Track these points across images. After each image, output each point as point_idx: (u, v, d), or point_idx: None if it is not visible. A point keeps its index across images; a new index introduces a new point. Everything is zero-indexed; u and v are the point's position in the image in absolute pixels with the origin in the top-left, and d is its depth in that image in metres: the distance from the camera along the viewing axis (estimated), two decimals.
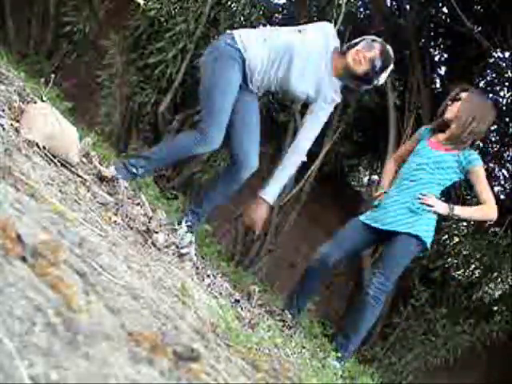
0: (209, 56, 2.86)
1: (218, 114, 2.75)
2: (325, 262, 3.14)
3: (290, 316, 3.08)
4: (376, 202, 3.21)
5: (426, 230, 3.04)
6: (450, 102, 3.11)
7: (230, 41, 2.81)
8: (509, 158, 6.40)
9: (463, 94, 3.09)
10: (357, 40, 2.94)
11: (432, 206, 3.02)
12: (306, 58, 2.85)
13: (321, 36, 2.93)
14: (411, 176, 3.10)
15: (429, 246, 3.08)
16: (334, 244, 3.18)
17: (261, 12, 5.47)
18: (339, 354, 2.85)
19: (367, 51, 2.84)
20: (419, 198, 3.02)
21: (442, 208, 3.04)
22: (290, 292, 3.34)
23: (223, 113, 2.75)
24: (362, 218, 3.18)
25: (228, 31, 2.94)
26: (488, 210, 3.08)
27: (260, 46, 2.82)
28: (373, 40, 2.91)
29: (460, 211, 3.11)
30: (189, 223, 2.85)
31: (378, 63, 2.84)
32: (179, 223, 2.76)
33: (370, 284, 2.99)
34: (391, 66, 2.93)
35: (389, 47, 2.90)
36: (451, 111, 3.08)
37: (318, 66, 2.88)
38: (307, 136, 2.97)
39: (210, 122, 2.75)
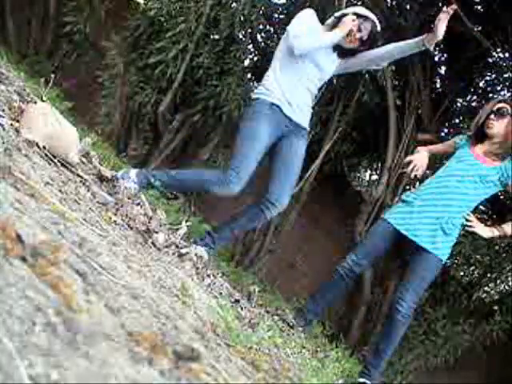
0: (245, 118, 3.03)
1: (240, 161, 2.86)
2: (353, 271, 3.15)
3: (301, 325, 3.10)
4: (405, 198, 3.12)
5: (448, 251, 3.02)
6: (493, 116, 3.00)
7: (258, 99, 2.97)
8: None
9: (510, 110, 3.00)
10: (343, 13, 3.06)
11: (473, 227, 2.99)
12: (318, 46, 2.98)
13: (309, 20, 3.07)
14: (453, 187, 2.99)
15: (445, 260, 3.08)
16: (361, 253, 3.16)
17: (261, 12, 5.47)
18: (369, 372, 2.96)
19: (358, 32, 3.02)
20: (455, 218, 2.97)
21: (484, 231, 3.00)
22: (311, 296, 3.34)
23: (248, 160, 2.87)
24: (386, 216, 3.12)
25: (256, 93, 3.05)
26: None
27: (281, 78, 2.96)
28: (364, 18, 3.05)
29: (500, 232, 3.03)
30: (206, 243, 2.95)
31: (365, 38, 3.05)
32: (197, 242, 2.87)
33: (401, 302, 2.94)
34: (378, 36, 3.14)
35: (377, 23, 3.09)
36: (499, 127, 2.99)
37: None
38: None
39: (230, 168, 2.88)
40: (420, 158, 3.13)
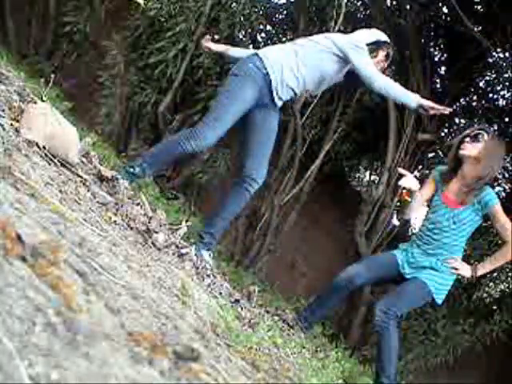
0: (234, 73, 2.97)
1: (217, 117, 2.84)
2: (352, 282, 3.18)
3: (300, 327, 3.10)
4: (403, 247, 3.23)
5: (439, 286, 3.04)
6: (468, 139, 3.03)
7: (258, 63, 2.93)
8: (508, 159, 6.40)
9: (485, 136, 3.03)
10: (373, 43, 3.07)
11: (457, 269, 3.04)
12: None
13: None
14: (433, 239, 3.07)
15: (439, 301, 3.07)
16: (364, 267, 3.24)
17: (261, 12, 5.48)
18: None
19: (385, 62, 3.14)
20: (444, 258, 3.04)
21: (466, 271, 3.05)
22: (308, 305, 3.39)
23: (223, 119, 2.84)
24: (395, 253, 3.21)
25: (255, 52, 3.03)
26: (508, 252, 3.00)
27: (290, 70, 2.97)
28: (388, 47, 3.14)
29: (484, 269, 3.10)
30: (206, 244, 2.93)
31: None
32: (195, 245, 2.82)
33: (378, 313, 2.98)
34: None
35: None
36: (472, 150, 3.01)
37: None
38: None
39: (206, 121, 2.87)
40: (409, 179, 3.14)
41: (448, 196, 3.08)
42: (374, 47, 3.05)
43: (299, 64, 2.96)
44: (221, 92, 2.98)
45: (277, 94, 2.97)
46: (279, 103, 3.04)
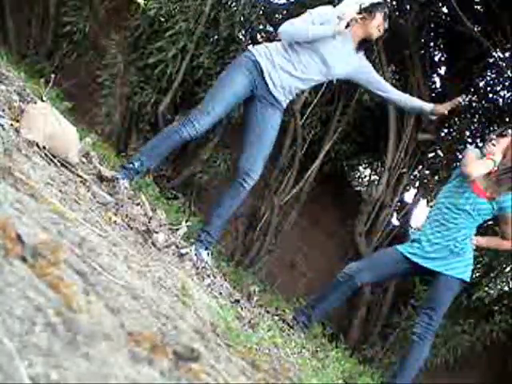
0: (228, 67, 3.08)
1: (208, 102, 2.91)
2: (353, 279, 3.19)
3: (300, 325, 3.09)
4: (413, 237, 3.32)
5: (466, 270, 3.17)
6: (494, 137, 3.22)
7: (247, 53, 3.00)
8: None
9: (510, 131, 3.21)
10: (367, 6, 2.98)
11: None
12: (332, 41, 2.94)
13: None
14: (451, 219, 3.18)
15: (468, 279, 3.22)
16: (367, 266, 3.28)
17: (261, 12, 5.47)
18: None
19: (384, 22, 3.03)
20: (462, 240, 3.15)
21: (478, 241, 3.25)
22: (308, 302, 3.37)
23: (215, 103, 2.89)
24: (400, 249, 3.25)
25: (248, 49, 3.14)
26: (507, 244, 3.27)
27: (281, 55, 2.95)
28: (383, 7, 3.05)
29: (480, 241, 3.30)
30: (203, 243, 2.90)
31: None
32: (195, 244, 2.79)
33: (418, 324, 3.13)
34: None
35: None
36: (499, 147, 3.16)
37: (345, 41, 2.99)
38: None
39: (199, 108, 2.94)
40: None
41: (477, 184, 3.18)
42: (370, 9, 2.96)
43: (286, 46, 2.94)
44: (216, 82, 3.07)
45: (271, 79, 2.93)
46: (278, 95, 2.97)
